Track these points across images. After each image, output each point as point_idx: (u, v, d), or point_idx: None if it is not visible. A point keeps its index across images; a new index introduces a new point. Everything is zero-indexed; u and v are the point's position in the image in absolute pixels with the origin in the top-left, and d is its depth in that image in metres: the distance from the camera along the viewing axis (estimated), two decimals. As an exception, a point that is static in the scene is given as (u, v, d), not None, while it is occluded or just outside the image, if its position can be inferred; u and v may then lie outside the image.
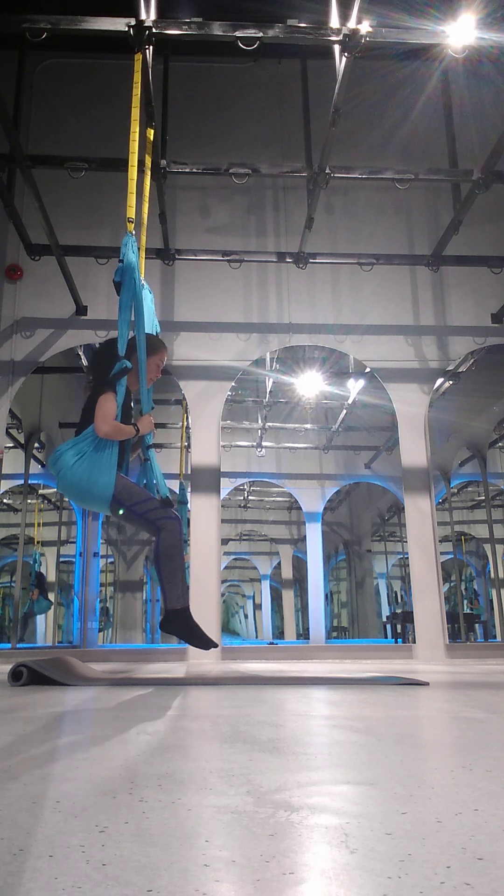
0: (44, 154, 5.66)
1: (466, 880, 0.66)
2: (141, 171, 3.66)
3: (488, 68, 6.57)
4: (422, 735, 1.67)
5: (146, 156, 4.37)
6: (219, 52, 6.33)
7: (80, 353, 8.35)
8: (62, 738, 1.62)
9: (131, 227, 3.28)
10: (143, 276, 3.56)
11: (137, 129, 3.52)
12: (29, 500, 10.20)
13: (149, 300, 3.48)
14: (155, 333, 3.54)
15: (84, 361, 8.65)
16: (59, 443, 3.13)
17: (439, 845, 0.76)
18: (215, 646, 3.16)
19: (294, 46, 5.95)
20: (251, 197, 6.86)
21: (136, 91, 3.65)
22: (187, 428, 6.48)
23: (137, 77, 3.71)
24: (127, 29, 4.03)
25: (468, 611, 12.14)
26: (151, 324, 3.50)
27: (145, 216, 4.06)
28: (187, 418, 6.48)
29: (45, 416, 9.15)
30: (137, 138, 3.51)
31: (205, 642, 3.08)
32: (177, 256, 6.20)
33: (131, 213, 3.33)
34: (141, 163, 4.04)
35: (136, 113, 3.55)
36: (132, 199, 3.37)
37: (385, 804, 0.94)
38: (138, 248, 3.42)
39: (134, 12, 4.07)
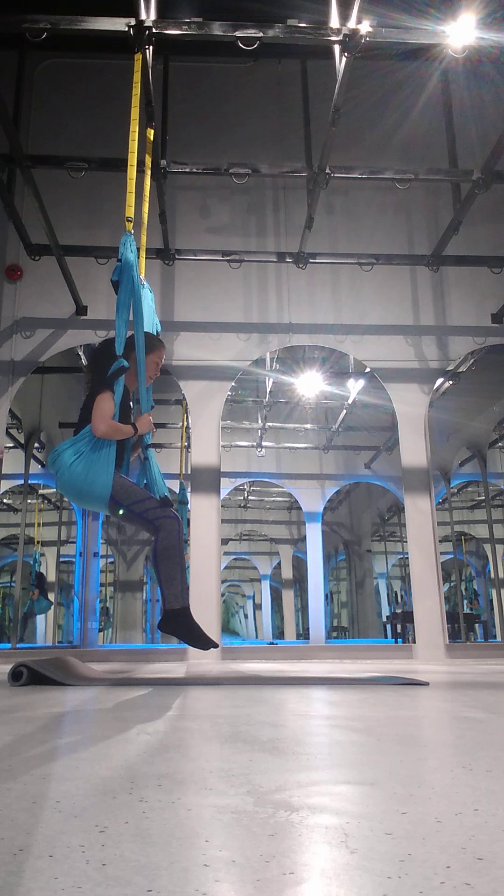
0: (44, 154, 5.66)
1: (466, 880, 0.66)
2: (140, 171, 3.67)
3: (488, 68, 6.57)
4: (422, 735, 1.67)
5: (146, 156, 4.37)
6: (219, 52, 6.34)
7: (80, 353, 8.35)
8: (62, 738, 1.62)
9: (130, 226, 3.28)
10: (143, 275, 3.56)
11: (137, 129, 3.52)
12: (29, 500, 10.20)
13: (149, 299, 3.48)
14: (155, 332, 3.54)
15: (84, 361, 8.65)
16: (59, 443, 3.14)
17: (439, 845, 0.76)
18: (215, 646, 3.15)
19: (294, 46, 5.95)
20: (251, 197, 6.86)
21: (136, 91, 3.65)
22: (187, 428, 6.48)
23: (137, 77, 3.71)
24: (127, 29, 4.03)
25: (468, 611, 12.14)
26: (151, 323, 3.49)
27: (145, 216, 4.06)
28: (187, 418, 6.49)
29: (45, 416, 9.15)
30: (137, 138, 3.51)
31: (204, 642, 3.07)
32: (177, 256, 6.20)
33: (130, 212, 3.33)
34: (141, 163, 4.05)
35: (135, 113, 3.55)
36: (131, 199, 3.37)
37: (385, 804, 0.94)
38: (137, 248, 3.42)
39: (134, 12, 4.07)
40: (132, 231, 3.28)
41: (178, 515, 3.15)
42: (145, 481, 3.32)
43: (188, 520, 5.99)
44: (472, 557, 14.41)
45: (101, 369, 3.14)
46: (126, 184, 3.42)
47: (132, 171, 3.43)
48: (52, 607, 11.75)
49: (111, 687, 2.95)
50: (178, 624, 3.01)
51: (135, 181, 3.42)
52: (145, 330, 3.26)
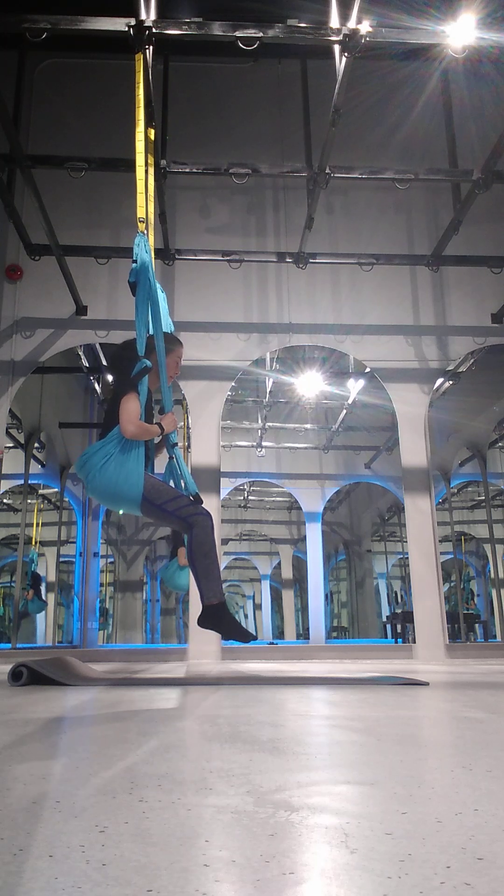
0: (44, 154, 5.65)
1: (466, 880, 0.66)
2: (146, 171, 3.65)
3: (488, 68, 6.57)
4: (422, 735, 1.67)
5: (149, 155, 4.36)
6: (219, 52, 6.33)
7: (81, 353, 8.36)
8: (62, 738, 1.62)
9: (142, 226, 3.26)
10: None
11: (143, 130, 3.52)
12: (29, 500, 10.19)
13: (162, 299, 3.47)
14: (170, 332, 3.54)
15: (84, 361, 8.66)
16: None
17: (439, 845, 0.76)
18: (255, 638, 3.15)
19: (294, 46, 5.95)
20: (251, 197, 6.86)
21: (139, 91, 3.64)
22: (187, 428, 6.48)
23: (140, 77, 3.71)
24: (127, 29, 4.02)
25: (466, 611, 12.15)
26: (166, 323, 3.49)
27: (151, 216, 4.06)
28: (187, 418, 6.49)
29: (45, 416, 9.15)
30: (143, 138, 3.50)
31: (244, 635, 3.07)
32: (177, 256, 6.19)
33: (142, 212, 3.31)
34: (144, 162, 4.04)
35: (139, 113, 3.55)
36: (141, 199, 3.35)
37: (385, 804, 0.94)
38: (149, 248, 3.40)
39: (134, 12, 4.07)
40: (145, 232, 3.26)
41: (210, 512, 3.14)
42: (172, 480, 3.31)
43: None
44: (472, 557, 14.42)
45: (125, 370, 3.13)
46: (129, 184, 3.41)
47: (140, 172, 3.42)
48: (49, 607, 11.75)
49: (111, 687, 2.95)
50: (217, 619, 3.01)
51: (143, 181, 3.41)
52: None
